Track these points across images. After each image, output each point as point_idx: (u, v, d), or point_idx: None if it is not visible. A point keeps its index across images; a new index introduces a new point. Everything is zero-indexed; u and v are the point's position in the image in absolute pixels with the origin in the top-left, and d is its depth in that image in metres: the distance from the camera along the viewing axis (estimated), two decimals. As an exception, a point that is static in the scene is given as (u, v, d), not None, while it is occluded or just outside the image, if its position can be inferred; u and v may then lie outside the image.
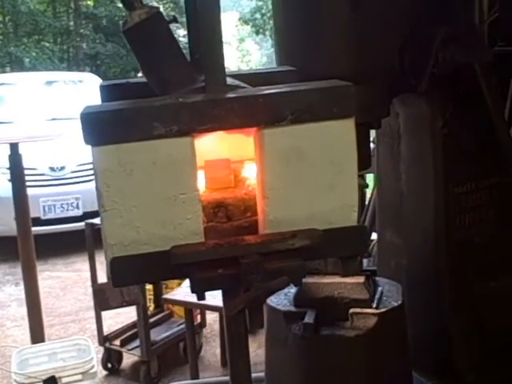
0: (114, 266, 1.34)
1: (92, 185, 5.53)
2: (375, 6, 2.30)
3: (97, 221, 4.72)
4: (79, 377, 3.66)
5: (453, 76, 2.44)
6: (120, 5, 16.71)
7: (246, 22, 20.54)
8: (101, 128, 1.30)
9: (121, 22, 1.55)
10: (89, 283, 5.39)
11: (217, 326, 4.68)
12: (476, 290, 2.59)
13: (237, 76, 1.58)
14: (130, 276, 1.36)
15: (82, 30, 16.34)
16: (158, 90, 1.53)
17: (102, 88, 1.68)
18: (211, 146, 1.58)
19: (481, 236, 2.66)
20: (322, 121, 1.36)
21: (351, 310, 2.13)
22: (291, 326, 2.14)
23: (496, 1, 3.01)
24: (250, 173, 1.59)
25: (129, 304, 4.18)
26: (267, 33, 18.45)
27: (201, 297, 1.34)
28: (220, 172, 1.58)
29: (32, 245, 4.25)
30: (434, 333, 2.64)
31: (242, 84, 1.49)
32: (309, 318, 2.12)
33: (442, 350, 2.62)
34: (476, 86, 2.39)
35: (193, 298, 3.87)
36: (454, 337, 2.59)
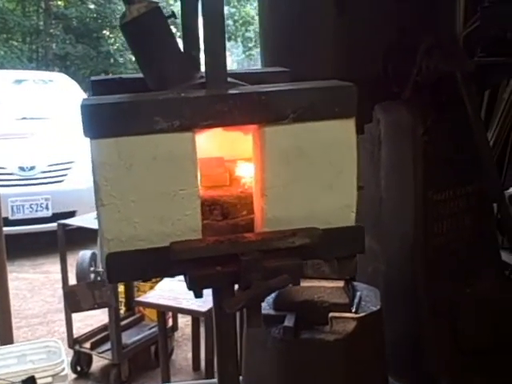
0: (110, 261, 1.32)
1: (62, 186, 5.45)
2: (361, 14, 2.33)
3: (69, 222, 4.65)
4: (49, 379, 3.57)
5: (435, 84, 2.48)
6: (91, 6, 16.56)
7: (217, 28, 20.47)
8: (101, 120, 1.28)
9: (119, 17, 1.53)
10: (57, 285, 5.31)
11: (188, 330, 4.64)
12: (452, 295, 2.62)
13: (230, 75, 1.58)
14: (126, 272, 1.34)
15: (51, 30, 16.09)
16: (155, 85, 1.51)
17: (93, 83, 1.66)
18: (203, 144, 1.57)
19: (457, 243, 2.69)
20: (323, 120, 1.36)
21: (331, 314, 2.13)
22: (271, 329, 2.13)
23: (472, 13, 3.06)
24: (245, 171, 1.59)
25: (100, 306, 4.12)
26: (239, 39, 18.48)
27: (198, 295, 1.32)
28: (215, 170, 1.57)
29: (3, 245, 4.16)
30: (409, 337, 2.66)
31: (241, 82, 1.48)
32: (288, 322, 2.12)
33: (418, 354, 2.64)
34: (457, 95, 2.42)
35: (166, 301, 3.84)
36: (430, 342, 2.61)
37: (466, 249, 2.71)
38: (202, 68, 1.62)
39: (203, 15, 1.37)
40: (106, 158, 1.29)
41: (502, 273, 2.94)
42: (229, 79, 1.45)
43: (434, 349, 2.61)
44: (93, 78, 1.69)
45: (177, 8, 1.89)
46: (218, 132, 1.47)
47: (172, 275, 1.35)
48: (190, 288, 1.32)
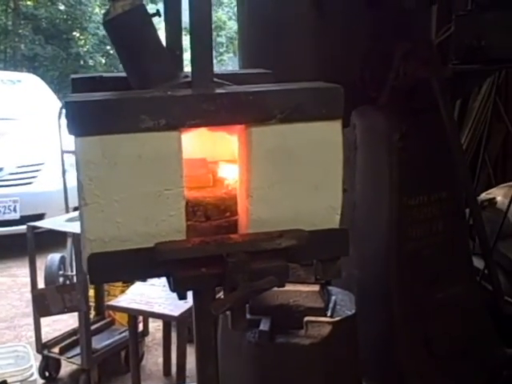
0: (92, 262, 1.29)
1: (31, 188, 5.32)
2: (339, 19, 2.34)
3: (38, 224, 4.56)
4: (17, 385, 3.50)
5: (411, 91, 2.50)
6: (61, 7, 16.36)
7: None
8: (85, 117, 1.25)
9: (103, 13, 1.51)
10: (24, 289, 5.20)
11: (159, 335, 4.58)
12: (424, 299, 2.65)
13: (215, 75, 1.56)
14: (109, 273, 1.31)
15: (20, 31, 15.83)
16: (137, 84, 1.49)
17: (74, 81, 1.63)
18: (185, 144, 1.55)
19: (430, 248, 2.72)
20: (310, 121, 1.35)
21: (306, 319, 2.13)
22: (246, 333, 2.12)
23: (444, 21, 3.10)
24: (228, 173, 1.57)
25: (70, 310, 4.02)
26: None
27: (182, 296, 1.30)
28: (198, 171, 1.55)
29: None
30: (383, 340, 2.68)
31: (227, 82, 1.47)
32: (264, 326, 2.11)
33: (391, 357, 2.65)
34: (432, 102, 2.45)
35: (138, 306, 3.79)
36: (402, 344, 2.63)
37: (438, 254, 2.74)
38: (185, 68, 1.61)
39: (190, 14, 1.36)
40: (90, 156, 1.26)
41: (474, 278, 2.97)
42: (214, 79, 1.44)
43: (407, 351, 2.63)
44: (73, 75, 1.66)
45: (153, 10, 1.86)
46: (200, 133, 1.45)
47: (156, 277, 1.32)
48: (174, 289, 1.30)
